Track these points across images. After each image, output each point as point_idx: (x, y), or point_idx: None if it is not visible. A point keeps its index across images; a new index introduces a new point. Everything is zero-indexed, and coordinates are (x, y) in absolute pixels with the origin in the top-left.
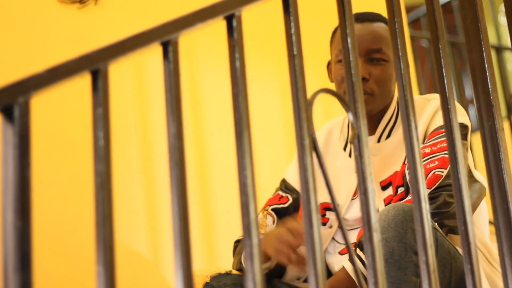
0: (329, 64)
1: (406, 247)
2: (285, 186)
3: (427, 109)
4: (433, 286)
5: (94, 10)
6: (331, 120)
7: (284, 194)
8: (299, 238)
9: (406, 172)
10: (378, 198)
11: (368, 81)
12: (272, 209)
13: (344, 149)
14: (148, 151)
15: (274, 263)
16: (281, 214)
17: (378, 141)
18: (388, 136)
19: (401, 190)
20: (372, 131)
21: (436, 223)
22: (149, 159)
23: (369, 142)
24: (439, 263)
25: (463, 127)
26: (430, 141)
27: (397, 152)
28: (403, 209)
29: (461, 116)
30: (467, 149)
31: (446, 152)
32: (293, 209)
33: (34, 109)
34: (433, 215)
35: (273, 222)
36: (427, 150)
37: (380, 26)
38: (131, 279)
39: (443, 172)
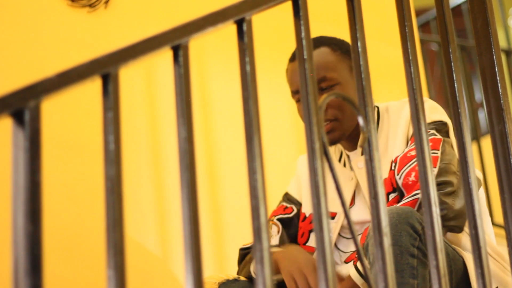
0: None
1: (402, 249)
2: (287, 198)
3: (405, 111)
4: None
5: (104, 14)
6: None
7: (288, 205)
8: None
9: (397, 177)
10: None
11: (327, 110)
12: (278, 219)
13: (339, 160)
14: (158, 155)
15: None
16: (286, 223)
17: (362, 153)
18: None
19: (392, 196)
20: (354, 146)
21: None
22: (159, 163)
23: (353, 157)
24: None
25: (442, 124)
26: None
27: (383, 161)
28: (397, 212)
29: (440, 114)
30: (452, 146)
31: (433, 151)
32: (297, 219)
33: (44, 113)
34: None
35: (278, 231)
36: (414, 153)
37: (319, 52)
38: (142, 279)
39: (433, 170)
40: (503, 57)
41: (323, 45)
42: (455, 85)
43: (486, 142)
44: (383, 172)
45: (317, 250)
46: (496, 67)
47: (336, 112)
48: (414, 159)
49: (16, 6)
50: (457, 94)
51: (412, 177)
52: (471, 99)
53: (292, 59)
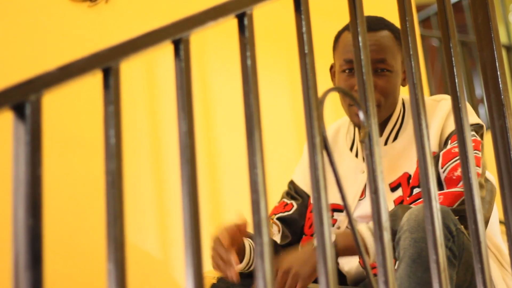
0: (332, 67)
1: None
2: (294, 189)
3: (439, 110)
4: (443, 285)
5: (104, 8)
6: (338, 119)
7: (288, 201)
8: (229, 242)
9: (441, 170)
10: (388, 199)
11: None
12: (277, 218)
13: (351, 149)
14: (159, 149)
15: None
16: (286, 221)
17: (385, 143)
18: (395, 138)
19: (416, 191)
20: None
21: (462, 226)
22: (160, 157)
23: None
24: (462, 266)
25: (480, 127)
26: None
27: (405, 154)
28: None
29: (475, 116)
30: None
31: (476, 151)
32: (298, 215)
33: (45, 107)
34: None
35: (278, 231)
36: (457, 150)
37: (384, 35)
38: (141, 277)
39: (479, 169)
40: (504, 52)
41: (388, 29)
42: (456, 80)
43: (487, 137)
44: (405, 165)
45: (317, 244)
46: (496, 63)
47: (380, 97)
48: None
49: (17, 1)
50: (457, 89)
51: (458, 172)
52: (472, 94)
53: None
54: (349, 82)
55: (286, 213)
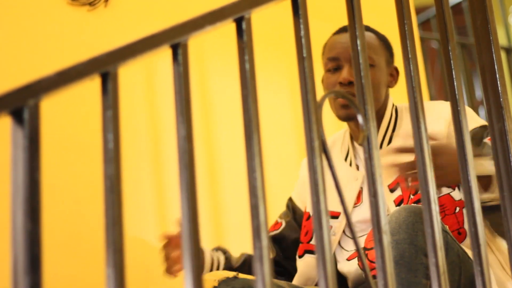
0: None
1: (417, 249)
2: (291, 205)
3: (439, 109)
4: None
5: (104, 13)
6: (335, 127)
7: (279, 220)
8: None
9: None
10: (388, 200)
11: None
12: None
13: (345, 159)
14: (157, 154)
15: None
16: (274, 239)
17: (380, 147)
18: (389, 142)
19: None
20: None
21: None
22: (158, 162)
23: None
24: (448, 267)
25: (486, 127)
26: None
27: (402, 156)
28: (414, 211)
29: (479, 118)
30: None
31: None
32: (288, 230)
33: (43, 112)
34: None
35: None
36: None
37: (367, 35)
38: (143, 281)
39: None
40: (503, 54)
41: (369, 31)
42: (455, 83)
43: None
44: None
45: (316, 248)
46: (495, 66)
47: None
48: None
49: (16, 4)
50: (457, 92)
51: None
52: (472, 96)
53: (339, 31)
54: (331, 79)
55: (274, 232)
